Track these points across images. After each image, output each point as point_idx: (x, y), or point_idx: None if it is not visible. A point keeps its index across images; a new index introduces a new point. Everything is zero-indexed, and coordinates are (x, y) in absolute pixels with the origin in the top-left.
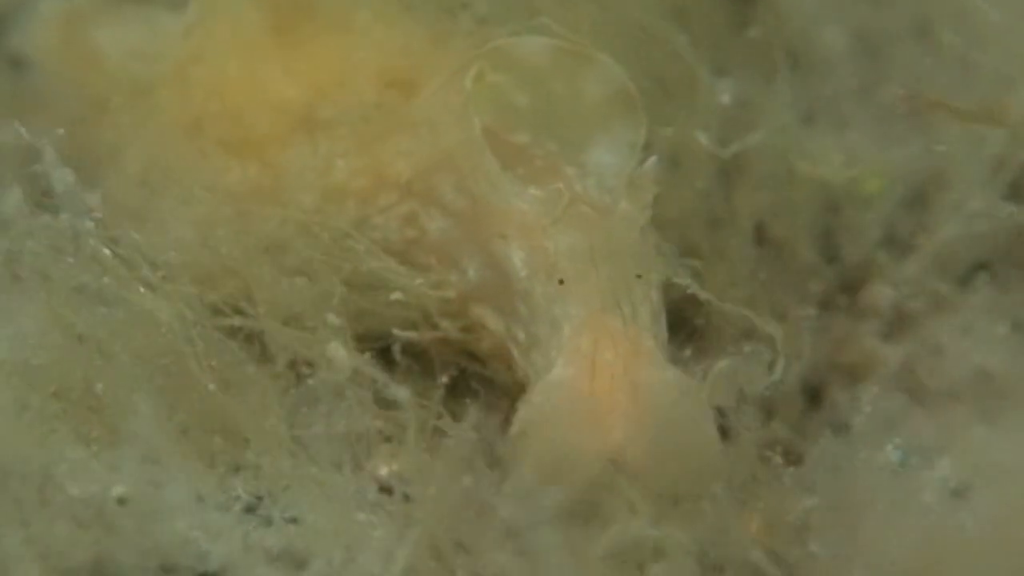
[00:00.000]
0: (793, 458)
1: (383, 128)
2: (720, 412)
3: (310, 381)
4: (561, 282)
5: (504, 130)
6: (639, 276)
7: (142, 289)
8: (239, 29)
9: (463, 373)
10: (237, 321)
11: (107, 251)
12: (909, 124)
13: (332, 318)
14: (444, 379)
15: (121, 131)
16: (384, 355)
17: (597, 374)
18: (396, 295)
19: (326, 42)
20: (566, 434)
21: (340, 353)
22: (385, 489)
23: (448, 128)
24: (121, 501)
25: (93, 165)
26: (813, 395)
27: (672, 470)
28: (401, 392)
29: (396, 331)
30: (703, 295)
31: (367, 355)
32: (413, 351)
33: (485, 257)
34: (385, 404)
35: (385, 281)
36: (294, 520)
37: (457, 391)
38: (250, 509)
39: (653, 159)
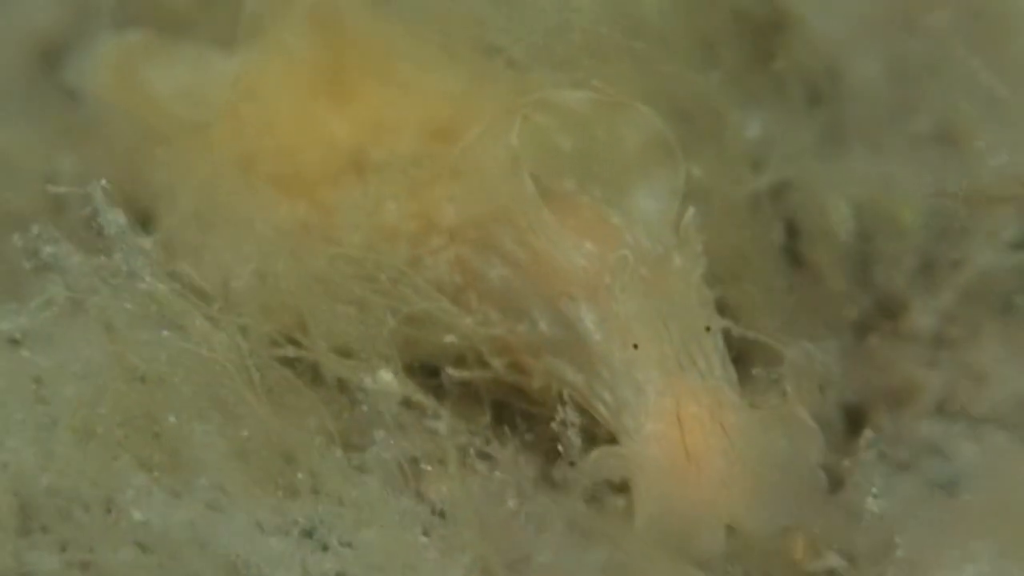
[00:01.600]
0: (835, 483)
1: (431, 174)
2: None
3: (364, 407)
4: (636, 347)
5: (548, 175)
6: (708, 328)
7: (198, 322)
8: (291, 69)
9: (507, 407)
10: (291, 351)
11: (162, 287)
12: (942, 152)
13: (382, 348)
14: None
15: (174, 168)
16: (432, 381)
17: (687, 431)
18: (450, 338)
19: (369, 93)
20: (678, 497)
21: (388, 378)
22: (438, 512)
23: (496, 178)
24: (184, 526)
25: (147, 201)
26: (855, 421)
27: (782, 508)
28: (446, 419)
29: (451, 371)
30: (751, 334)
31: (414, 384)
32: (459, 387)
33: (554, 313)
34: (435, 429)
35: (436, 319)
36: (349, 545)
37: (500, 421)
38: (307, 534)
39: (691, 211)
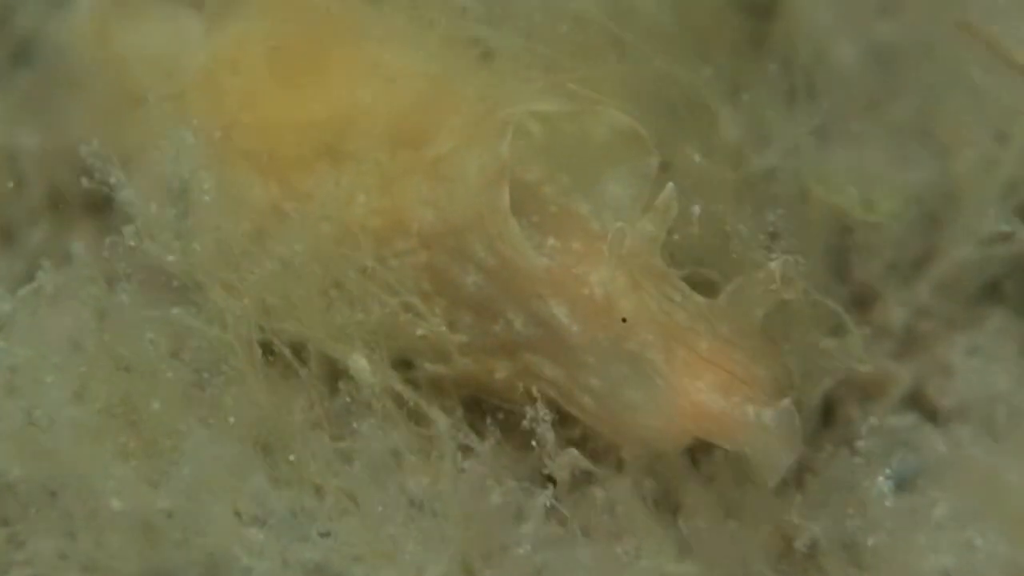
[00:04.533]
0: (805, 475)
1: (404, 168)
2: None
3: (347, 398)
4: (625, 320)
5: (517, 164)
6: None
7: (190, 307)
8: (262, 41)
9: (482, 401)
10: (287, 326)
11: (176, 258)
12: (922, 144)
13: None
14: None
15: (149, 131)
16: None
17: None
18: (421, 331)
19: (342, 74)
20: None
21: (362, 364)
22: (416, 504)
23: (478, 186)
24: (163, 514)
25: (122, 162)
26: (826, 412)
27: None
28: (427, 410)
29: (427, 364)
30: None
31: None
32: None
33: (528, 313)
34: (415, 420)
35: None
36: (328, 535)
37: (477, 409)
38: (285, 523)
39: (671, 185)
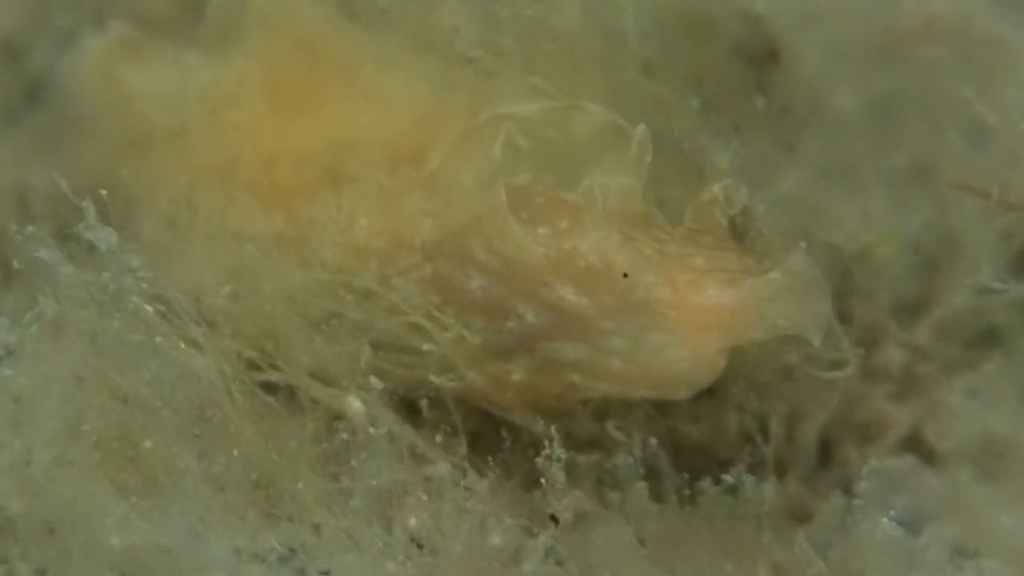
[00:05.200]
0: (802, 516)
1: (403, 186)
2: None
3: (343, 435)
4: (626, 275)
5: (507, 172)
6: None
7: (183, 345)
8: (261, 76)
9: (484, 436)
10: (273, 376)
11: (149, 308)
12: (921, 190)
13: (362, 375)
14: (464, 435)
15: (153, 170)
16: (410, 411)
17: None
18: (428, 346)
19: (338, 101)
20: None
21: (357, 405)
22: (414, 541)
23: (473, 189)
24: (161, 552)
25: (126, 203)
26: (824, 453)
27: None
28: (424, 448)
29: (432, 377)
30: None
31: (389, 412)
32: (438, 407)
33: (537, 303)
34: (414, 458)
35: (407, 341)
36: (327, 573)
37: (480, 447)
38: (284, 561)
39: (642, 127)
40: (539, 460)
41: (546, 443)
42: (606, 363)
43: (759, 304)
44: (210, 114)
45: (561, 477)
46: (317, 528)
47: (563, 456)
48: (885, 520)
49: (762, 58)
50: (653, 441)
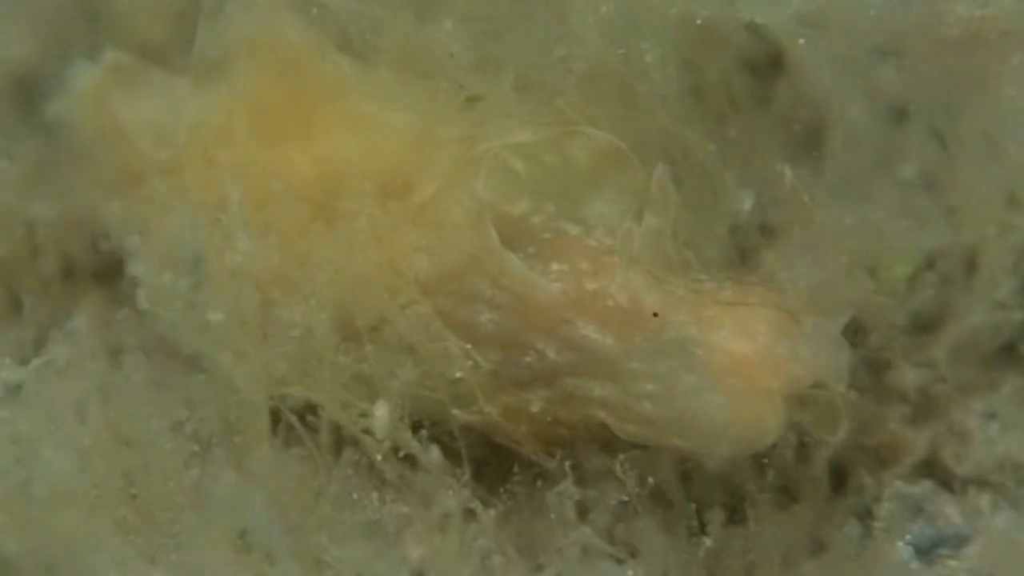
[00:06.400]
0: (816, 545)
1: (395, 220)
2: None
3: (348, 471)
4: (656, 315)
5: (505, 201)
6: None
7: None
8: (249, 110)
9: (493, 456)
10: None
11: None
12: (935, 204)
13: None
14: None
15: (150, 207)
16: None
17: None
18: (459, 374)
19: (328, 134)
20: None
21: (382, 411)
22: (417, 573)
23: (463, 229)
24: None
25: (129, 238)
26: (838, 479)
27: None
28: (434, 477)
29: (455, 412)
30: None
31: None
32: (442, 440)
33: (558, 340)
34: (419, 489)
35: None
36: None
37: (485, 476)
38: None
39: (660, 166)
40: (549, 496)
41: (560, 479)
42: (638, 406)
43: (783, 353)
44: (201, 152)
45: (573, 515)
46: (320, 563)
47: (575, 495)
48: (900, 544)
49: (766, 68)
50: (650, 481)
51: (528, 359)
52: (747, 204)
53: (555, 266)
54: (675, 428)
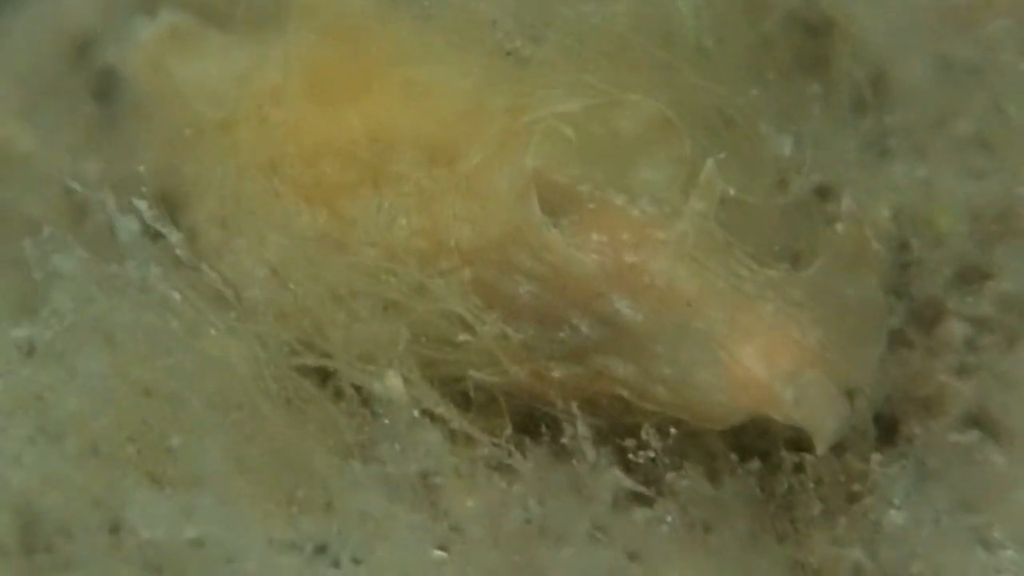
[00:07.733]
0: (866, 492)
1: (442, 187)
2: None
3: (385, 420)
4: (689, 304)
5: (553, 168)
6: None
7: (213, 331)
8: (303, 71)
9: (528, 416)
10: (310, 360)
11: (176, 295)
12: (987, 157)
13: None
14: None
15: (202, 165)
16: (455, 398)
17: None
18: (464, 336)
19: (380, 97)
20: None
21: (396, 382)
22: (455, 528)
23: (508, 200)
24: (193, 544)
25: (180, 195)
26: (887, 429)
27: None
28: (465, 429)
29: (472, 372)
30: None
31: (430, 392)
32: (482, 395)
33: (593, 315)
34: (456, 441)
35: (447, 332)
36: (359, 561)
37: (522, 432)
38: (320, 550)
39: (711, 161)
40: (565, 439)
41: (571, 423)
42: (653, 389)
43: (777, 396)
44: (256, 109)
45: (592, 455)
46: (353, 516)
47: (588, 435)
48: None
49: (819, 29)
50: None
51: (562, 334)
52: (786, 149)
53: (595, 236)
54: (682, 411)
